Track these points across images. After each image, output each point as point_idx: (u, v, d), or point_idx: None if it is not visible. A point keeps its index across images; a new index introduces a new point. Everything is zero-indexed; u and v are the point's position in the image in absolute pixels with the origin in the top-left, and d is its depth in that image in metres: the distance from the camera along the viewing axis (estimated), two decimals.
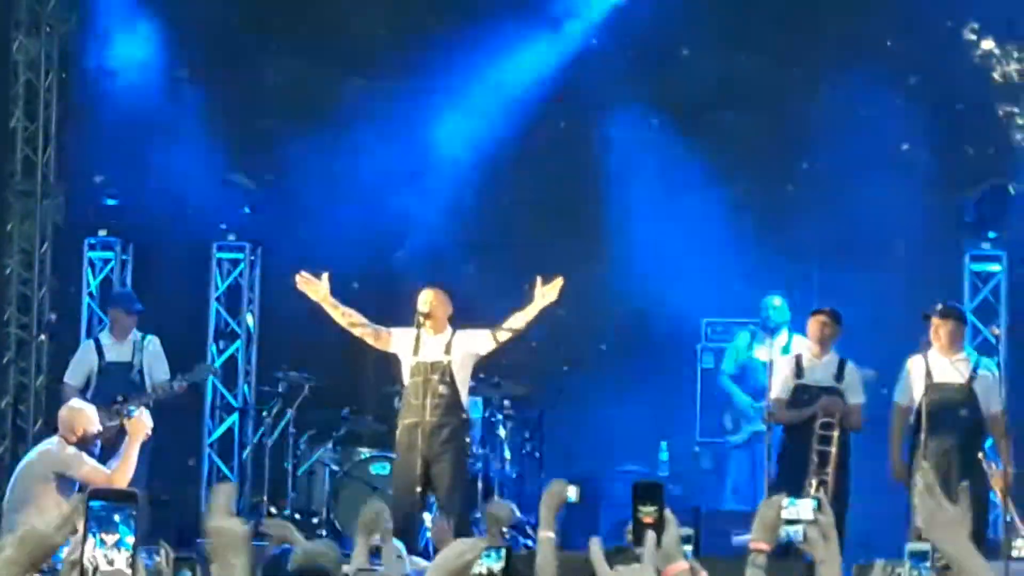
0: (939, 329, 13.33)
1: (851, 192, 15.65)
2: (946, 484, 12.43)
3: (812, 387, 13.51)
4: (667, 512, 4.95)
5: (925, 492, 4.72)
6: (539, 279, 13.01)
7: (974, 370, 13.46)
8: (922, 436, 12.98)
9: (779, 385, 13.58)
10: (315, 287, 13.30)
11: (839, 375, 13.58)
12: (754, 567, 6.50)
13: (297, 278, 13.43)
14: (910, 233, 15.54)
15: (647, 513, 4.74)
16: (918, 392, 13.30)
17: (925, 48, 16.04)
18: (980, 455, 13.06)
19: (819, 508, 7.03)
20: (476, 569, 5.99)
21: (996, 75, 16.27)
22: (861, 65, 15.84)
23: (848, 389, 13.56)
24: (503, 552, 6.36)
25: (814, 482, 13.01)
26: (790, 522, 6.96)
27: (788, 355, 13.89)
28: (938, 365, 13.40)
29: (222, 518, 4.55)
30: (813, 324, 13.61)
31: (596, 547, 4.24)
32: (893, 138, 16.08)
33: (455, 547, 5.39)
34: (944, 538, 4.78)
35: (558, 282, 12.99)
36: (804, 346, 13.76)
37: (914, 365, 13.42)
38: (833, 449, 13.21)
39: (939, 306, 13.47)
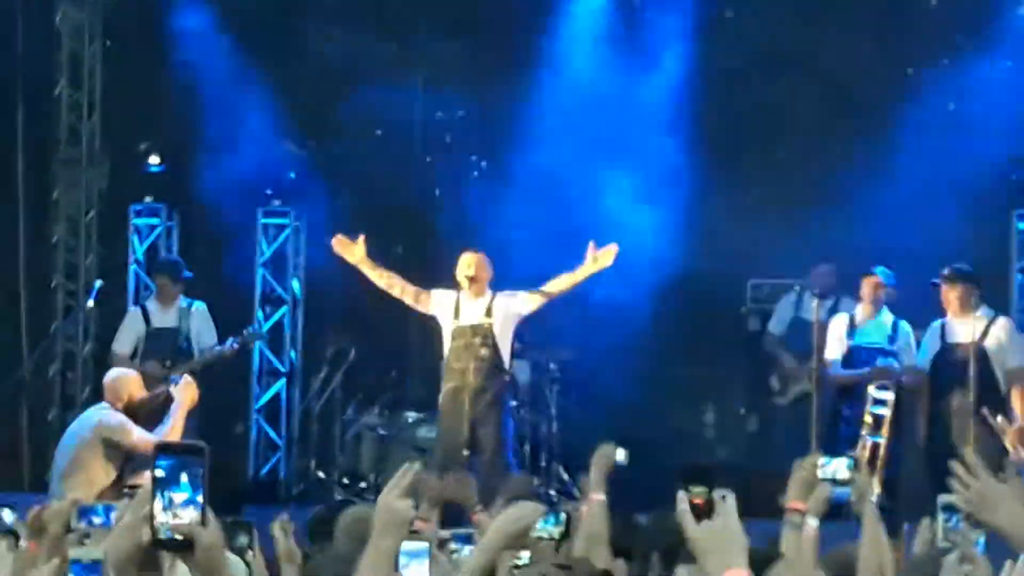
0: (948, 294, 13.38)
1: (898, 155, 15.54)
2: (954, 445, 12.52)
3: (866, 348, 13.47)
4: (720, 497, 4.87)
5: (968, 474, 4.67)
6: (592, 244, 12.96)
7: (987, 328, 13.43)
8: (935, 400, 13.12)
9: (833, 345, 13.56)
10: (351, 249, 13.35)
11: (893, 336, 13.55)
12: (791, 525, 6.47)
13: (333, 241, 13.46)
14: (960, 196, 15.43)
15: (697, 494, 4.69)
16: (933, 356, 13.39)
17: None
18: (985, 411, 12.98)
19: (855, 467, 7.00)
20: (535, 534, 5.97)
21: None
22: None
23: (902, 350, 13.54)
24: (562, 517, 6.32)
25: (868, 444, 12.94)
26: (832, 482, 6.94)
27: (840, 316, 13.81)
28: (952, 328, 13.40)
29: (397, 497, 4.49)
30: (866, 285, 13.61)
31: (684, 503, 4.17)
32: (942, 99, 15.94)
33: (514, 511, 5.34)
34: (995, 517, 4.76)
35: (613, 248, 12.96)
36: (854, 308, 13.73)
37: (932, 330, 13.44)
38: (887, 412, 13.13)
39: (946, 271, 13.48)
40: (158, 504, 3.84)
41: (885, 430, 13.10)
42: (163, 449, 3.89)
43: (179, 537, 3.85)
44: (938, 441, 13.16)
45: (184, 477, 3.85)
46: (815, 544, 6.30)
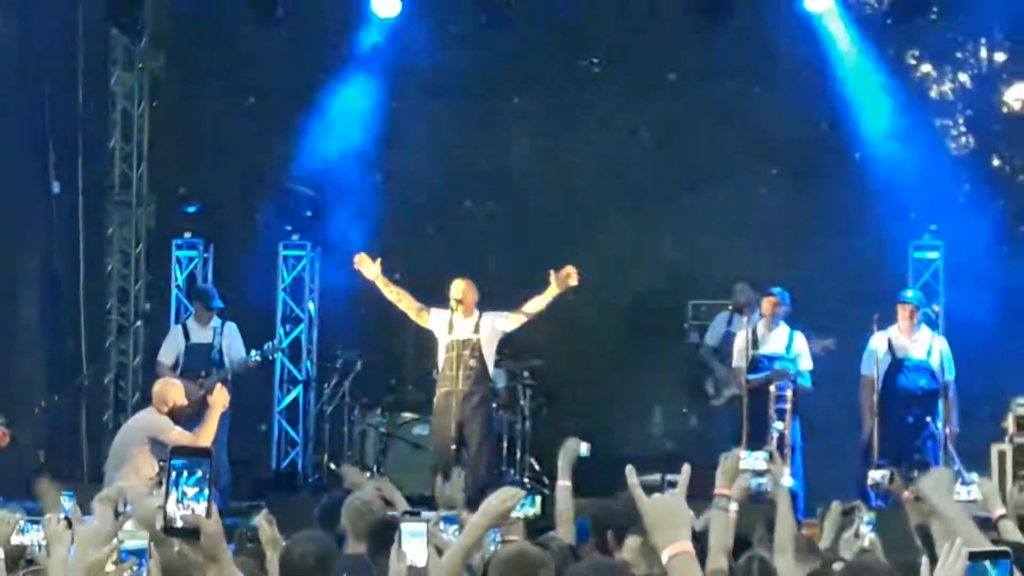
0: (900, 313, 13.41)
1: (813, 195, 15.58)
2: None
3: (767, 356, 13.52)
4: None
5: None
6: (552, 271, 13.00)
7: (930, 345, 13.47)
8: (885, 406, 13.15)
9: (738, 355, 13.63)
10: (369, 266, 13.38)
11: (789, 344, 13.60)
12: (718, 509, 6.52)
13: (355, 258, 13.49)
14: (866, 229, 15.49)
15: None
16: (883, 366, 13.39)
17: None
18: (928, 419, 13.07)
19: (770, 459, 7.09)
20: (515, 514, 5.99)
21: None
22: None
23: (798, 356, 13.58)
24: (537, 500, 6.36)
25: (774, 435, 13.01)
26: (753, 472, 7.01)
27: (743, 330, 13.85)
28: (900, 342, 13.44)
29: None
30: (765, 304, 13.67)
31: (633, 477, 4.16)
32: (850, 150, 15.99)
33: (498, 495, 5.36)
34: (934, 495, 5.11)
35: (571, 270, 12.99)
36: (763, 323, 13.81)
37: (877, 341, 13.44)
38: (788, 406, 13.24)
39: (908, 293, 13.69)
40: (172, 497, 3.83)
41: (787, 421, 13.20)
42: (177, 451, 3.88)
43: (187, 526, 3.83)
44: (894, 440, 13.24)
45: (195, 475, 3.84)
46: (733, 522, 6.36)
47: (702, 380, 15.14)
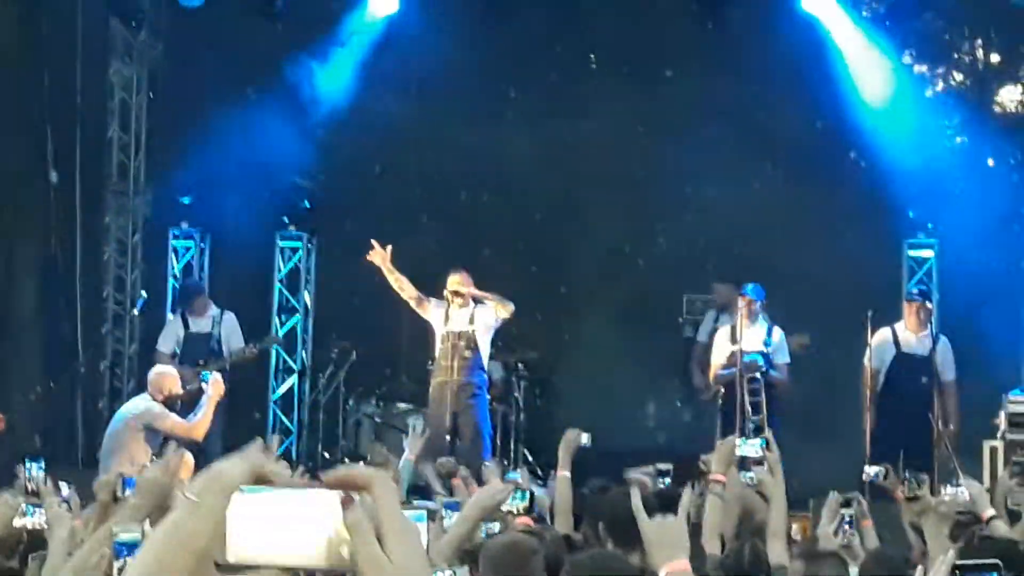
0: (907, 310, 13.44)
1: (809, 193, 15.57)
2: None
3: (745, 351, 13.55)
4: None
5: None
6: None
7: (934, 343, 13.51)
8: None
9: (718, 352, 13.68)
10: (382, 255, 13.36)
11: (768, 339, 13.64)
12: (713, 494, 6.54)
13: (373, 242, 13.49)
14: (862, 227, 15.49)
15: None
16: (886, 361, 13.42)
17: None
18: (930, 416, 13.11)
19: (767, 447, 7.10)
20: (505, 507, 6.02)
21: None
22: None
23: (776, 349, 13.62)
24: (527, 494, 6.40)
25: (750, 426, 13.05)
26: (745, 459, 7.03)
27: (724, 328, 13.90)
28: (905, 338, 13.47)
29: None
30: (741, 301, 13.68)
31: (637, 499, 4.18)
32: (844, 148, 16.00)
33: (489, 488, 5.40)
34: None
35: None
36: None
37: (881, 336, 13.46)
38: (761, 399, 13.30)
39: (915, 291, 13.83)
40: None
41: (762, 414, 13.24)
42: None
43: None
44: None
45: None
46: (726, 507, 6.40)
47: (691, 375, 15.21)
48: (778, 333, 13.71)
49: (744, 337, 13.59)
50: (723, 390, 13.63)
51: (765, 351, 13.58)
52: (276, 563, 1.82)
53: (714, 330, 14.56)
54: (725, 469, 6.80)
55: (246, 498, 1.84)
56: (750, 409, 13.27)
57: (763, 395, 13.31)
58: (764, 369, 13.46)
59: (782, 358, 13.66)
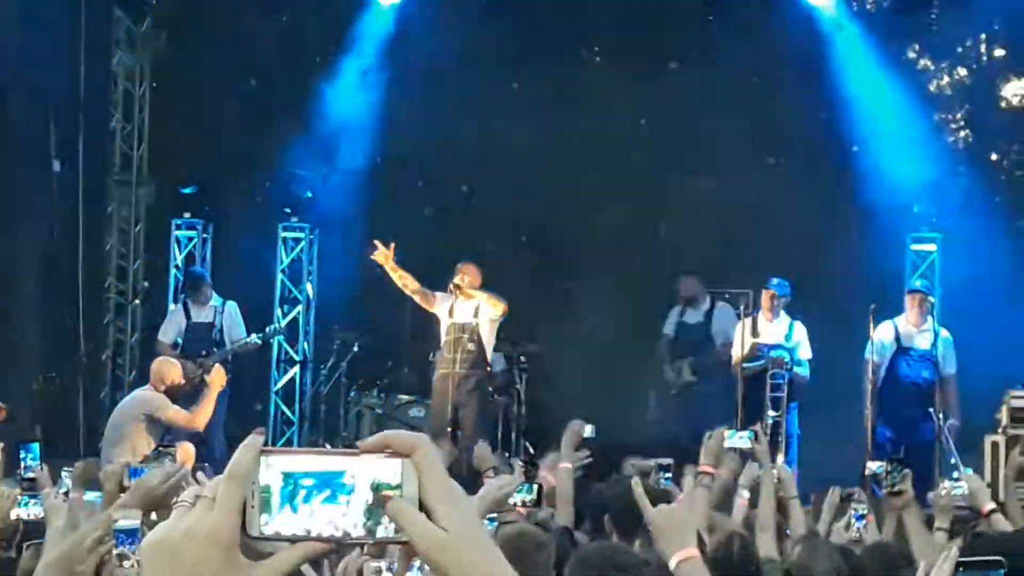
0: (909, 302, 13.41)
1: (815, 187, 15.54)
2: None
3: (766, 345, 13.53)
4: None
5: None
6: None
7: (935, 337, 13.47)
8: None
9: (738, 345, 13.65)
10: (385, 254, 13.36)
11: (789, 334, 13.62)
12: (702, 486, 6.53)
13: (376, 242, 13.48)
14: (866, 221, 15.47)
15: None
16: (887, 355, 13.39)
17: None
18: (931, 410, 13.07)
19: (755, 438, 7.11)
20: (512, 500, 6.01)
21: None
22: None
23: (798, 345, 13.60)
24: (534, 487, 6.40)
25: (769, 421, 13.02)
26: (735, 450, 7.04)
27: (744, 320, 13.86)
28: (907, 331, 13.44)
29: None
30: (764, 296, 13.68)
31: (639, 488, 4.15)
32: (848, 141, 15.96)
33: (496, 482, 5.38)
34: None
35: None
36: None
37: (883, 330, 13.43)
38: (784, 395, 13.27)
39: (917, 284, 13.71)
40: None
41: (783, 410, 13.23)
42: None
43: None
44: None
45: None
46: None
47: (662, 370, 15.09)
48: (800, 328, 13.68)
49: (765, 331, 13.59)
50: (739, 385, 13.55)
51: (787, 346, 13.57)
52: (315, 535, 1.75)
53: (680, 325, 14.53)
54: (714, 461, 6.80)
55: (279, 461, 1.75)
56: (769, 404, 13.24)
57: (785, 391, 13.30)
58: (791, 365, 13.44)
59: (804, 354, 13.64)
